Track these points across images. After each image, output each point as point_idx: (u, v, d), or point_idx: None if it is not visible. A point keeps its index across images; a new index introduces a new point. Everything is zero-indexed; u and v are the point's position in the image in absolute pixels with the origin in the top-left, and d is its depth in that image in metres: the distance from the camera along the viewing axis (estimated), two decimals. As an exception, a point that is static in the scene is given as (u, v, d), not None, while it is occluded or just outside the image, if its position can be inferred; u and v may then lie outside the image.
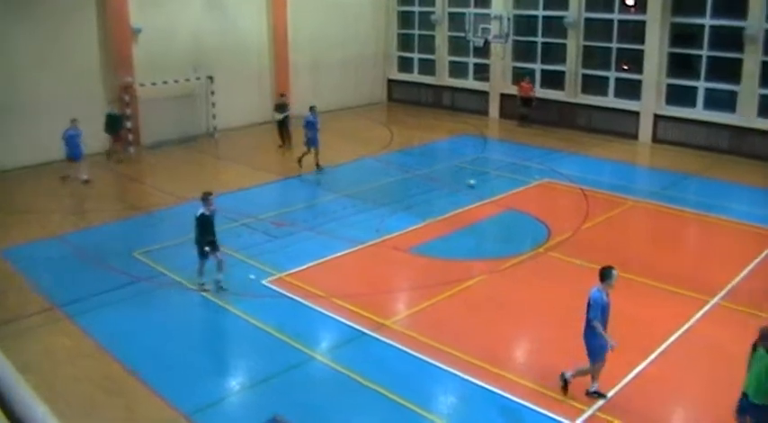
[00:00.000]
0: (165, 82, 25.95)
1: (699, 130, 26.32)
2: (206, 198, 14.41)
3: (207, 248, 14.33)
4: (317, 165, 23.01)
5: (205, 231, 14.33)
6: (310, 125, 22.80)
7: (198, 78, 27.15)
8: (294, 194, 21.34)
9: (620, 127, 28.14)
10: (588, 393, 11.02)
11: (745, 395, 9.41)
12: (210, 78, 27.36)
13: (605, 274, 10.83)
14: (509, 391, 11.22)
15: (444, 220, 18.72)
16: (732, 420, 9.62)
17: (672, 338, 12.71)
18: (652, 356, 12.13)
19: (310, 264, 15.90)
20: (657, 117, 27.30)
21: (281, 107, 26.44)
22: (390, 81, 35.70)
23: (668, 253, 17.19)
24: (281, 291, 14.63)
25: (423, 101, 34.32)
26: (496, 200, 20.30)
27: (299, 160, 23.03)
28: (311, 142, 22.89)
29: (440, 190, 21.49)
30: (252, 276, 15.15)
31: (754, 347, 9.42)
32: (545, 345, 13.07)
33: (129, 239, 17.57)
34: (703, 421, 10.91)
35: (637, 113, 27.70)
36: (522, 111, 29.94)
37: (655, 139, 27.44)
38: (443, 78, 33.72)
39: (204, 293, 14.40)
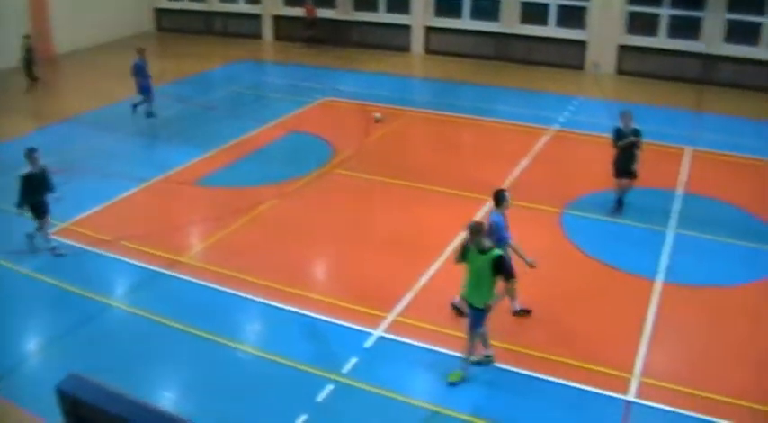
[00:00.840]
0: None
1: (466, 39, 27.51)
2: (30, 155, 13.08)
3: (46, 202, 13.23)
4: (147, 112, 21.03)
5: (32, 191, 13.06)
6: (138, 69, 20.61)
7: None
8: (70, 137, 20.04)
9: (394, 41, 28.78)
10: (516, 313, 11.33)
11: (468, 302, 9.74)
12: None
13: (500, 198, 10.86)
14: (313, 310, 11.47)
15: (228, 149, 18.49)
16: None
17: (459, 239, 13.41)
18: (444, 257, 12.80)
19: (94, 209, 15.19)
20: (428, 29, 28.16)
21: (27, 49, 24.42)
22: (158, 10, 34.08)
23: (449, 158, 18.03)
24: (67, 241, 13.91)
25: (194, 28, 33.09)
26: (279, 123, 20.28)
27: (136, 107, 21.02)
28: (143, 89, 20.73)
29: (221, 118, 21.12)
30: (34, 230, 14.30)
31: (466, 248, 9.56)
32: (342, 259, 13.44)
33: None
34: (505, 305, 11.71)
35: (408, 27, 28.40)
36: (309, 33, 29.76)
37: (427, 51, 28.36)
38: (213, 3, 32.65)
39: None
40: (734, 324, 11.41)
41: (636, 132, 14.31)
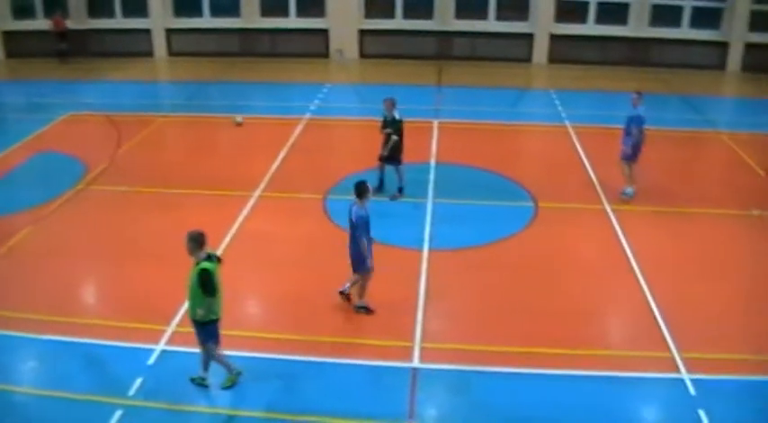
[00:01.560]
0: None
1: (210, 38, 27.32)
2: None
3: None
4: None
5: None
6: None
7: None
8: None
9: (135, 46, 27.93)
10: (356, 308, 11.30)
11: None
12: None
13: (362, 191, 10.74)
14: (88, 336, 10.88)
15: (-33, 179, 17.11)
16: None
17: (227, 238, 13.36)
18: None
19: None
20: (169, 31, 27.57)
21: None
22: None
23: (207, 159, 17.86)
24: None
25: None
26: (22, 145, 19.00)
27: None
28: None
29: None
30: None
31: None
32: (111, 278, 12.90)
33: None
34: (283, 296, 11.80)
35: (148, 31, 27.63)
36: (61, 46, 27.77)
37: (171, 53, 27.77)
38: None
39: None
40: (497, 278, 12.37)
41: (394, 120, 14.89)
